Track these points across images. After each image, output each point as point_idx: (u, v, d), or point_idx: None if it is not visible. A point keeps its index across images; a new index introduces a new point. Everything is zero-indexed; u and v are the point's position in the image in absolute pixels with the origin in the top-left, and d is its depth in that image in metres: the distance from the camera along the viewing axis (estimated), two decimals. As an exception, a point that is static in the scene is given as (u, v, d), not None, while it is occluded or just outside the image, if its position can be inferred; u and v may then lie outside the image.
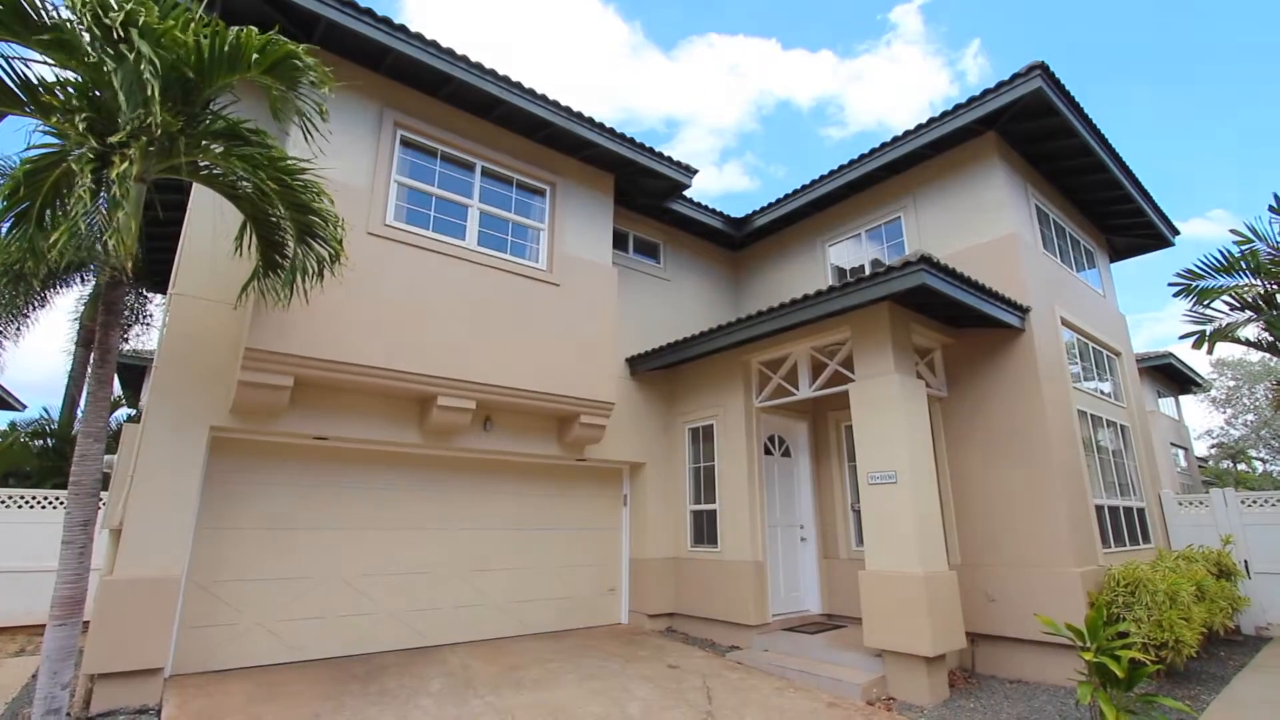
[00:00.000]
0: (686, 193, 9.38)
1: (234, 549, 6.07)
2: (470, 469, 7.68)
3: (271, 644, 6.10)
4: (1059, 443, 6.68)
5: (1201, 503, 9.15)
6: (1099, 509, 7.23)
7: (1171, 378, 20.54)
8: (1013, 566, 6.51)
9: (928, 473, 6.21)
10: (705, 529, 8.22)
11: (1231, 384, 26.30)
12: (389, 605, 6.78)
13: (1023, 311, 6.94)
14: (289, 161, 4.44)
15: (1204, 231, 61.84)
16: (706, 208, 9.77)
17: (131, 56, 3.21)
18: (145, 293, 13.20)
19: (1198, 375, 20.83)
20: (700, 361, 8.64)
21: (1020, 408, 6.80)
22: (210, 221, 5.73)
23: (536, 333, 7.22)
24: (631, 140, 8.07)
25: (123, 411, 14.15)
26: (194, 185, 5.75)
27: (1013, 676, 6.30)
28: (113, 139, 3.26)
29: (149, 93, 3.17)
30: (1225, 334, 7.78)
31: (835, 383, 7.02)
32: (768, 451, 8.45)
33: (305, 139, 4.71)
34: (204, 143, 4.32)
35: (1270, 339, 9.39)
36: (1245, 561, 8.51)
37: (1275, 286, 7.13)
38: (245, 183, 4.58)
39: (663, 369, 8.99)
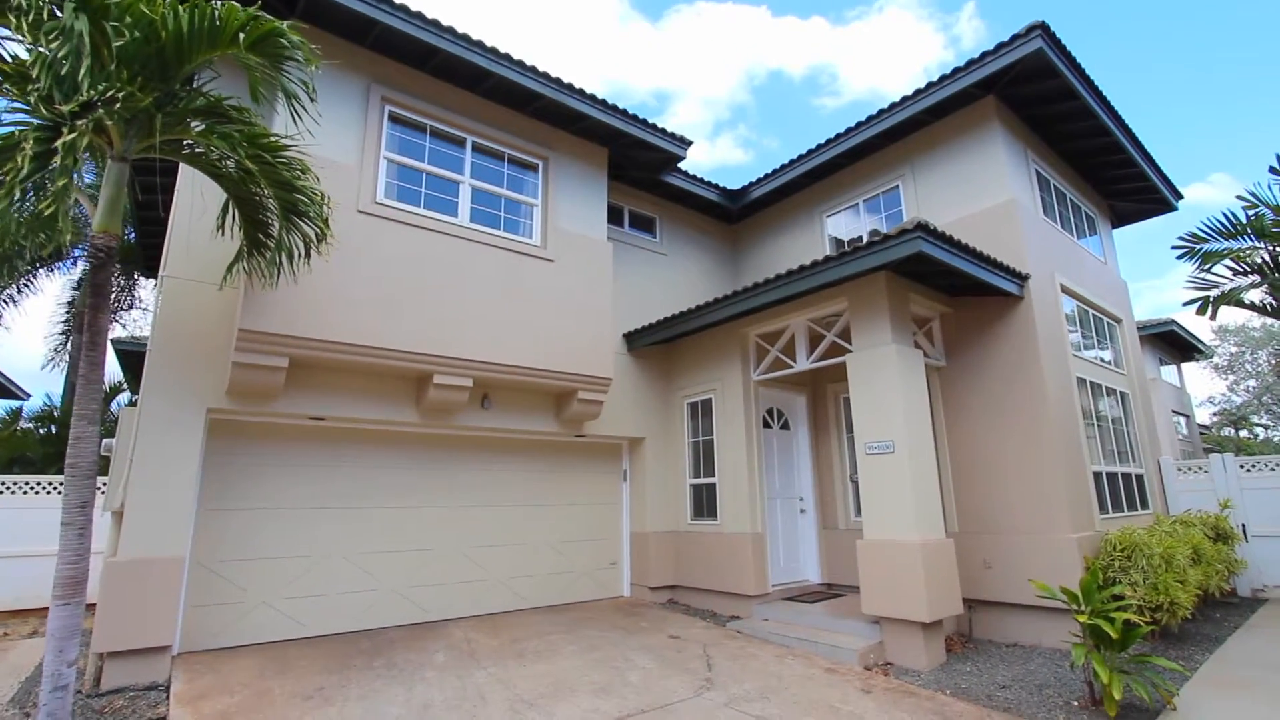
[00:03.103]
0: (682, 165, 9.26)
1: (236, 529, 6.13)
2: (470, 446, 7.71)
3: (277, 621, 6.19)
4: (1057, 410, 6.66)
5: (1201, 468, 9.17)
6: (1097, 476, 7.24)
7: (1174, 345, 20.46)
8: (1010, 533, 6.55)
9: (925, 442, 6.21)
10: (705, 502, 8.27)
11: (1234, 350, 26.21)
12: (392, 582, 6.86)
13: (1021, 279, 6.87)
14: (271, 139, 4.36)
15: (1206, 196, 61.04)
16: (702, 180, 9.65)
17: (69, 30, 3.13)
18: (140, 277, 13.19)
19: (1200, 342, 20.74)
20: (698, 336, 8.60)
21: (1019, 376, 6.78)
22: (199, 202, 5.67)
23: (532, 309, 7.18)
24: (624, 112, 7.93)
25: (125, 396, 14.21)
26: (180, 165, 5.69)
27: (1009, 640, 6.37)
28: (64, 108, 3.20)
29: (102, 66, 3.10)
30: (1229, 299, 7.72)
31: (833, 354, 7.00)
32: (766, 424, 8.46)
33: (292, 119, 4.63)
34: (186, 120, 4.25)
35: (1275, 303, 9.33)
36: (1243, 525, 8.56)
37: (1279, 249, 7.04)
38: (228, 161, 4.52)
39: (661, 344, 8.96)
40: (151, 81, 3.79)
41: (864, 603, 6.02)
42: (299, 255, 4.87)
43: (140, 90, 3.58)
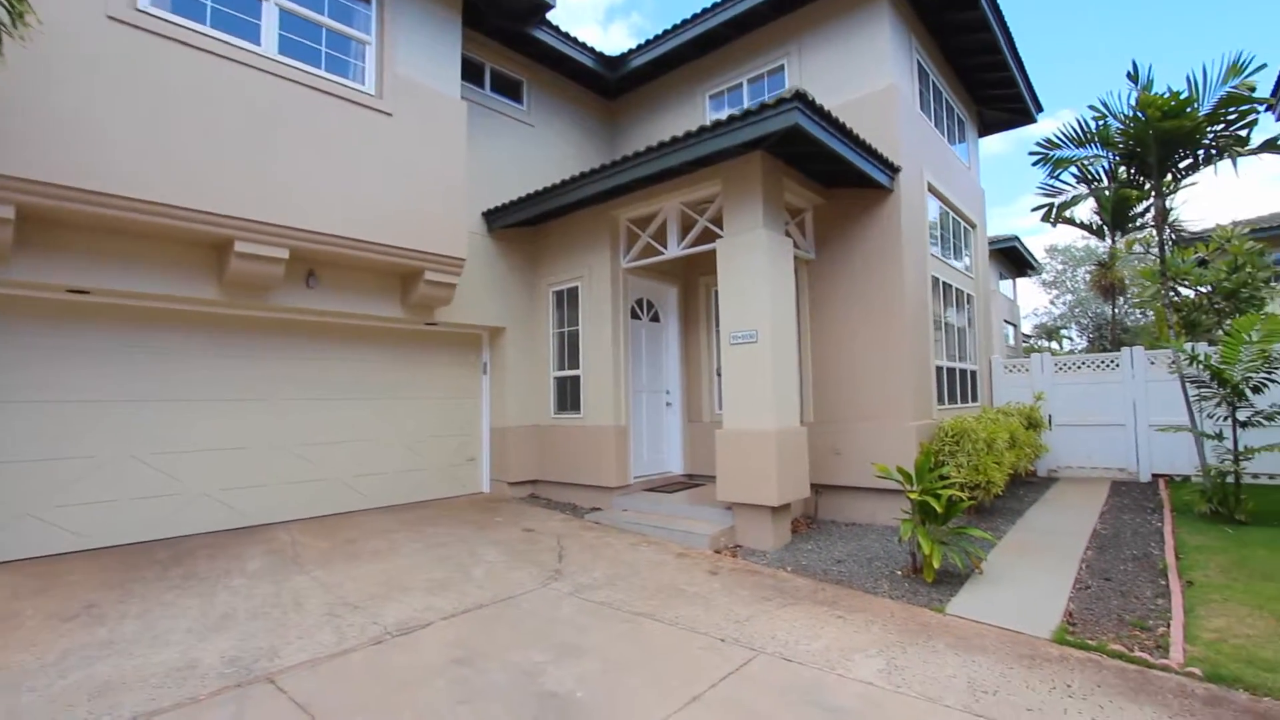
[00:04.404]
0: (555, 21, 8.10)
1: (-27, 426, 4.91)
2: (296, 332, 6.69)
3: (46, 533, 5.18)
4: (912, 306, 6.81)
5: (1024, 367, 10.12)
6: (939, 370, 7.67)
7: (1013, 261, 22.54)
8: (859, 421, 6.79)
9: (788, 333, 6.12)
10: (569, 395, 7.92)
11: (1059, 268, 29.54)
12: (200, 484, 5.96)
13: (893, 170, 6.75)
14: None
15: (1053, 129, 66.65)
16: (577, 41, 8.53)
17: None
18: None
19: (1034, 259, 22.98)
20: (566, 218, 7.89)
21: (880, 269, 6.80)
22: None
23: (365, 169, 6.08)
24: (480, -64, 6.62)
25: None
26: None
27: (849, 520, 6.76)
28: None
29: None
30: (1070, 206, 8.14)
31: (705, 240, 6.63)
32: (635, 316, 8.10)
33: None
34: None
35: (1099, 221, 10.16)
36: (1050, 415, 9.62)
37: (1118, 159, 7.40)
38: None
39: (525, 226, 8.17)
40: None
41: (719, 490, 6.05)
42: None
43: None
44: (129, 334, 5.68)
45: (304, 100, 5.73)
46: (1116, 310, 17.19)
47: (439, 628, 3.99)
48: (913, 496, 4.84)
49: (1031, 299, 48.57)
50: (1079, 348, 29.82)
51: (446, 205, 6.69)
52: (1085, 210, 16.92)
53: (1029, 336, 29.03)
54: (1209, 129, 6.64)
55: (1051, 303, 30.80)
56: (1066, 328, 30.58)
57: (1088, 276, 22.70)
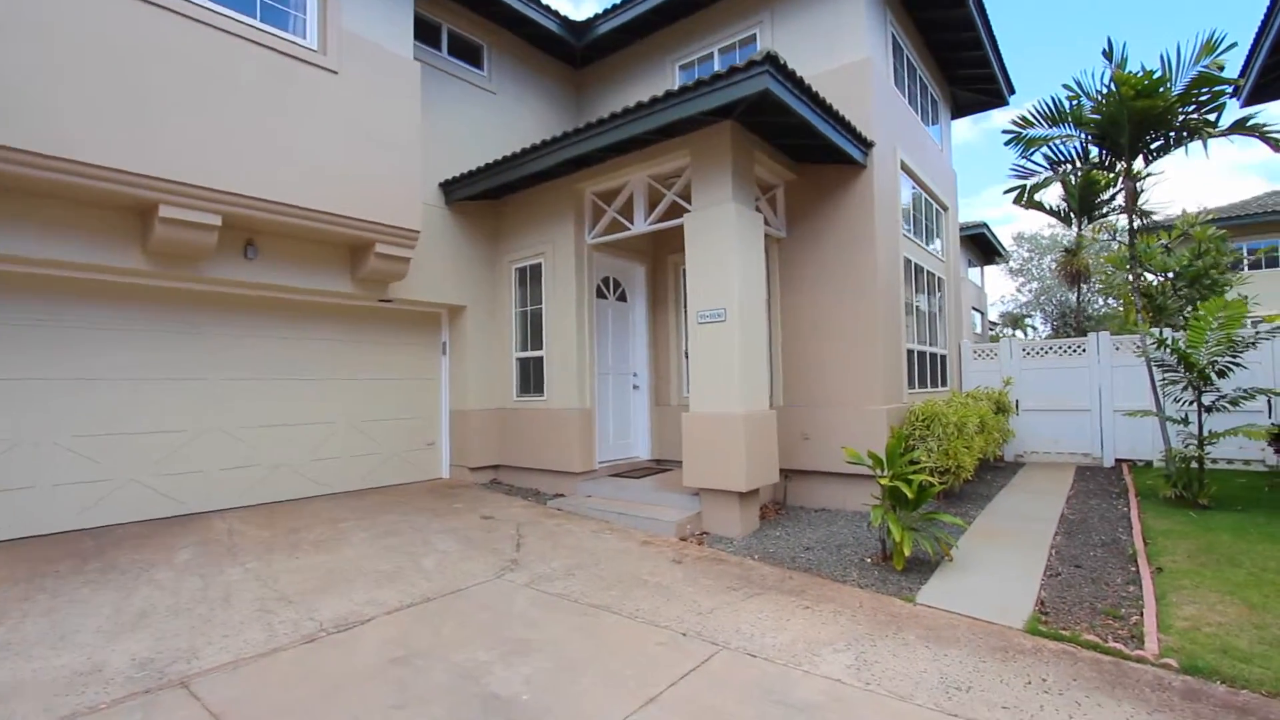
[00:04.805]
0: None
1: None
2: (238, 307, 6.24)
3: (-54, 523, 4.72)
4: (885, 287, 6.65)
5: (992, 353, 10.11)
6: (910, 353, 7.55)
7: (981, 248, 22.73)
8: (828, 405, 6.63)
9: (758, 313, 5.89)
10: (532, 377, 7.60)
11: (1026, 255, 29.99)
12: (129, 470, 5.52)
13: (866, 145, 6.54)
14: None
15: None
16: (539, 3, 8.07)
17: None
18: None
19: (1002, 246, 23.22)
20: (528, 191, 7.53)
21: (852, 249, 6.61)
22: None
23: (307, 133, 5.64)
24: (435, -117, 6.15)
25: None
26: None
27: (819, 506, 6.62)
28: None
29: None
30: (1040, 189, 8.05)
31: (673, 215, 6.34)
32: (601, 295, 7.79)
33: None
34: None
35: (1065, 207, 10.11)
36: (1017, 401, 9.63)
37: (1090, 139, 7.31)
38: None
39: (485, 198, 7.76)
40: None
41: (685, 475, 5.83)
42: None
43: None
44: (45, 307, 5.18)
45: (237, 53, 5.24)
46: (1080, 298, 17.47)
47: (380, 623, 3.70)
48: (883, 482, 4.68)
49: (997, 287, 49.42)
50: (1043, 335, 30.40)
51: (399, 173, 6.27)
52: (1053, 196, 17.06)
53: (994, 324, 29.48)
54: (1180, 109, 6.56)
55: (1018, 290, 31.32)
56: (1031, 315, 31.13)
57: (1054, 264, 23.05)
